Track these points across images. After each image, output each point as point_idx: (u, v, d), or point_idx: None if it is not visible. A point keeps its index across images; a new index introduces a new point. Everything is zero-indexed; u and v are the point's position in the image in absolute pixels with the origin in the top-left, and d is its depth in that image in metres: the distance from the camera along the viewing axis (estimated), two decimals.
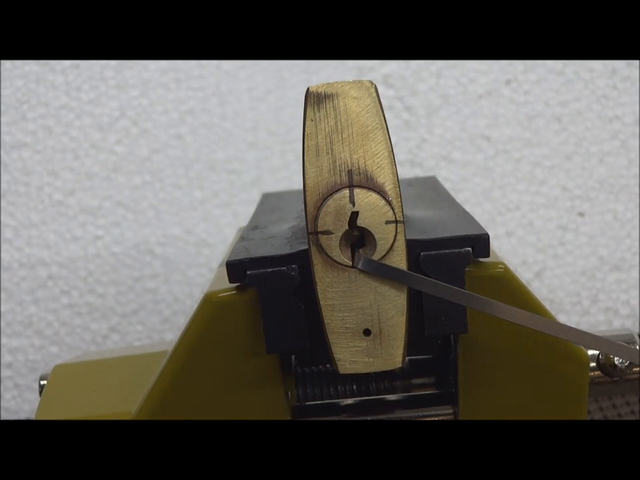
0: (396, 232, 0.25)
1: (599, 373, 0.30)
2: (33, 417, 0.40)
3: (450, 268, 0.26)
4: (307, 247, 0.25)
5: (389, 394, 0.33)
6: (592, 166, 0.59)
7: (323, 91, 0.25)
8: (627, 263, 0.59)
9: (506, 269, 0.27)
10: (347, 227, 0.25)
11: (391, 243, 0.25)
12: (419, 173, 0.58)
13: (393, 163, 0.25)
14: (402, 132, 0.58)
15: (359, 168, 0.25)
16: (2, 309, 0.58)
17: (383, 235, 0.25)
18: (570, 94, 0.58)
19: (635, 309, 0.59)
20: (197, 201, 0.58)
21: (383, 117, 0.25)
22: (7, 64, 0.56)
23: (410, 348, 0.26)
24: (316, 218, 0.25)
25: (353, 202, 0.25)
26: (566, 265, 0.59)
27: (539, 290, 0.59)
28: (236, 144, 0.58)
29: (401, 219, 0.25)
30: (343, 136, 0.25)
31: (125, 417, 0.29)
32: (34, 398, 0.59)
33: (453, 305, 0.26)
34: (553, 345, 0.28)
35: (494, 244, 0.28)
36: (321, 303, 0.25)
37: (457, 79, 0.58)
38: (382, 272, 0.25)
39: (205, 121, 0.57)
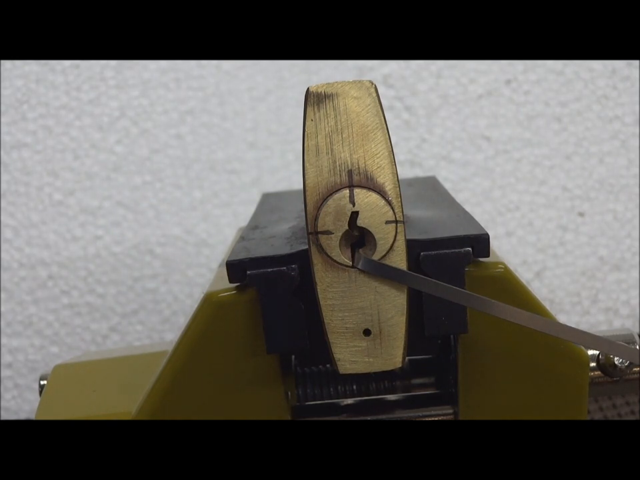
0: (396, 232, 0.25)
1: (599, 373, 0.30)
2: (33, 417, 0.40)
3: (450, 268, 0.26)
4: (307, 247, 0.25)
5: (389, 394, 0.33)
6: (592, 166, 0.58)
7: (322, 91, 0.25)
8: (627, 263, 0.59)
9: (506, 269, 0.27)
10: (346, 227, 0.25)
11: (390, 242, 0.25)
12: (418, 173, 0.58)
13: (393, 162, 0.25)
14: (402, 132, 0.58)
15: (358, 168, 0.25)
16: (2, 309, 0.58)
17: (383, 234, 0.25)
18: (570, 94, 0.58)
19: (635, 309, 0.59)
20: (197, 200, 0.58)
21: (383, 117, 0.25)
22: (7, 64, 0.56)
23: (410, 348, 0.26)
24: (316, 218, 0.25)
25: (353, 202, 0.25)
26: (566, 264, 0.59)
27: (539, 290, 0.59)
28: (236, 144, 0.58)
29: (401, 219, 0.25)
30: (343, 136, 0.25)
31: (125, 417, 0.29)
32: (34, 398, 0.59)
33: (453, 304, 0.26)
34: (553, 345, 0.28)
35: (494, 244, 0.28)
36: (321, 303, 0.25)
37: (457, 78, 0.58)
38: (382, 272, 0.25)
39: (205, 121, 0.57)
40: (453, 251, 0.26)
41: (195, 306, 0.28)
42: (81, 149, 0.57)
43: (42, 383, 0.34)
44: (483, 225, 0.28)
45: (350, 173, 0.25)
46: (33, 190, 0.57)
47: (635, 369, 0.30)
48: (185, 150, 0.58)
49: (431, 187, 0.38)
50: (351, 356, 0.26)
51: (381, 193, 0.25)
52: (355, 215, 0.25)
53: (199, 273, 0.59)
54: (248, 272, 0.27)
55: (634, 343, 0.31)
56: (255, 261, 0.27)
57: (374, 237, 0.25)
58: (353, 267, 0.25)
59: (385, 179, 0.25)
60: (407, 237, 0.25)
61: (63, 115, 0.57)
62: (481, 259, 0.27)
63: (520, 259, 0.59)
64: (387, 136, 0.25)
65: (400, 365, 0.26)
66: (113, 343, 0.59)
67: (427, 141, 0.58)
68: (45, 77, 0.56)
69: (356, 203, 0.25)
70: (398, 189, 0.25)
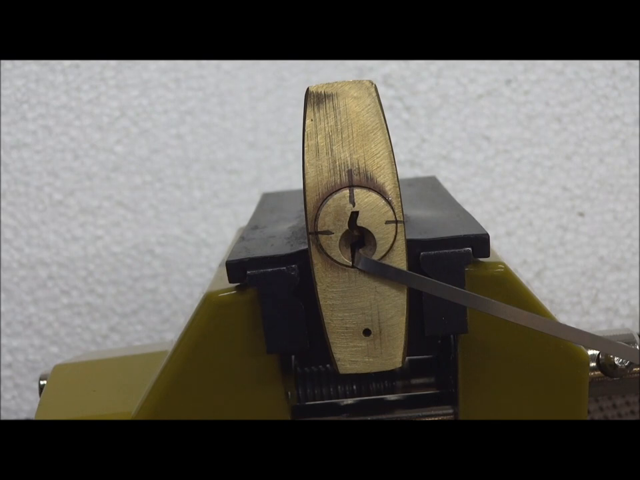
0: (396, 232, 0.25)
1: (599, 373, 0.30)
2: (33, 417, 0.40)
3: (450, 268, 0.26)
4: (306, 247, 0.25)
5: (389, 394, 0.33)
6: (592, 166, 0.58)
7: (322, 91, 0.25)
8: (627, 263, 0.59)
9: (506, 269, 0.27)
10: (346, 227, 0.25)
11: (390, 242, 0.25)
12: (418, 173, 0.58)
13: (393, 162, 0.25)
14: (402, 132, 0.58)
15: (358, 168, 0.25)
16: (2, 309, 0.58)
17: (383, 234, 0.25)
18: (570, 94, 0.58)
19: (635, 309, 0.59)
20: (197, 200, 0.58)
21: (383, 117, 0.25)
22: (7, 64, 0.56)
23: (410, 348, 0.26)
24: (316, 218, 0.25)
25: (352, 202, 0.25)
26: (566, 265, 0.59)
27: (539, 290, 0.59)
28: (236, 144, 0.58)
29: (401, 219, 0.25)
30: (343, 136, 0.25)
31: (124, 417, 0.29)
32: (34, 398, 0.59)
33: (453, 304, 0.26)
34: (553, 345, 0.28)
35: (494, 244, 0.28)
36: (320, 303, 0.25)
37: (457, 78, 0.58)
38: (382, 272, 0.25)
39: (205, 121, 0.57)
40: (452, 250, 0.26)
41: (195, 306, 0.28)
42: (81, 149, 0.57)
43: (42, 383, 0.34)
44: (483, 225, 0.28)
45: (350, 172, 0.25)
46: (33, 190, 0.57)
47: (635, 369, 0.30)
48: (185, 150, 0.58)
49: (430, 187, 0.38)
50: (350, 356, 0.26)
51: (381, 193, 0.25)
52: (354, 214, 0.25)
53: (198, 272, 0.59)
54: (248, 272, 0.27)
55: (634, 343, 0.31)
56: (255, 260, 0.27)
57: (374, 237, 0.25)
58: (352, 266, 0.25)
59: (384, 178, 0.25)
60: (407, 237, 0.25)
61: (63, 115, 0.57)
62: (481, 259, 0.27)
63: (520, 259, 0.59)
64: (387, 136, 0.25)
65: (400, 365, 0.26)
66: (113, 343, 0.59)
67: (427, 140, 0.58)
68: (45, 77, 0.56)
69: (356, 203, 0.25)
70: (398, 189, 0.25)
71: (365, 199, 0.25)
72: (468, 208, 0.32)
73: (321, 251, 0.25)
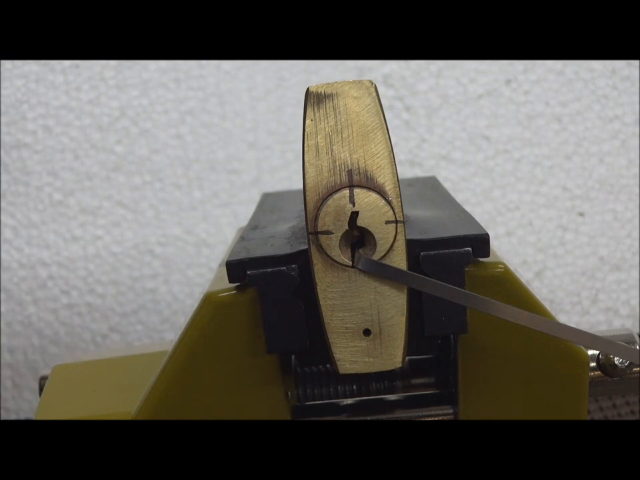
0: (396, 232, 0.25)
1: (599, 373, 0.30)
2: (32, 416, 0.40)
3: (450, 268, 0.26)
4: (306, 247, 0.25)
5: (389, 394, 0.33)
6: (592, 166, 0.59)
7: (322, 91, 0.25)
8: (627, 263, 0.59)
9: (506, 269, 0.27)
10: (346, 227, 0.25)
11: (390, 242, 0.25)
12: (418, 173, 0.58)
13: (393, 162, 0.25)
14: (402, 132, 0.58)
15: (358, 168, 0.25)
16: (2, 309, 0.58)
17: (383, 234, 0.25)
18: (570, 94, 0.58)
19: (635, 309, 0.59)
20: (197, 200, 0.58)
21: (383, 117, 0.25)
22: (7, 64, 0.56)
23: (410, 348, 0.26)
24: (316, 218, 0.25)
25: (352, 202, 0.25)
26: (566, 265, 0.59)
27: (539, 290, 0.59)
28: (236, 144, 0.58)
29: (401, 219, 0.25)
30: (343, 136, 0.25)
31: (125, 417, 0.29)
32: (34, 398, 0.59)
33: (453, 304, 0.26)
34: (553, 345, 0.28)
35: (494, 244, 0.28)
36: (321, 303, 0.25)
37: (457, 78, 0.58)
38: (382, 272, 0.25)
39: (205, 121, 0.58)
40: (452, 250, 0.26)
41: (195, 306, 0.28)
42: (81, 149, 0.57)
43: (42, 383, 0.34)
44: (483, 225, 0.28)
45: (350, 172, 0.25)
46: (33, 190, 0.57)
47: (635, 369, 0.30)
48: (185, 150, 0.58)
49: (430, 187, 0.38)
50: (350, 356, 0.26)
51: (381, 193, 0.25)
52: (354, 214, 0.25)
53: (198, 272, 0.59)
54: (248, 272, 0.27)
55: (634, 343, 0.31)
56: (255, 260, 0.27)
57: (374, 237, 0.25)
58: (352, 267, 0.25)
59: (384, 178, 0.25)
60: (407, 237, 0.25)
61: (63, 115, 0.57)
62: (481, 259, 0.27)
63: (520, 259, 0.59)
64: (387, 136, 0.25)
65: (400, 365, 0.26)
66: (113, 343, 0.59)
67: (427, 140, 0.58)
68: (45, 77, 0.56)
69: (356, 203, 0.25)
70: (398, 189, 0.25)
71: (365, 199, 0.25)
72: (468, 208, 0.32)
73: (321, 250, 0.25)
